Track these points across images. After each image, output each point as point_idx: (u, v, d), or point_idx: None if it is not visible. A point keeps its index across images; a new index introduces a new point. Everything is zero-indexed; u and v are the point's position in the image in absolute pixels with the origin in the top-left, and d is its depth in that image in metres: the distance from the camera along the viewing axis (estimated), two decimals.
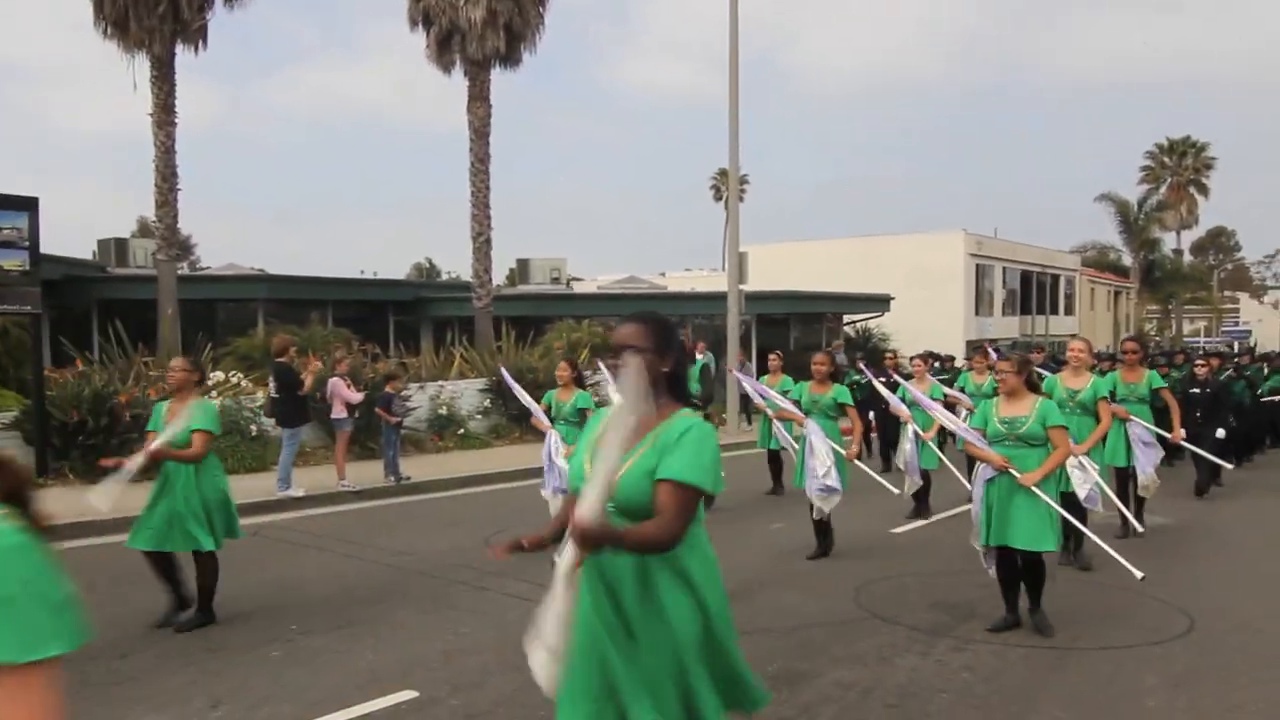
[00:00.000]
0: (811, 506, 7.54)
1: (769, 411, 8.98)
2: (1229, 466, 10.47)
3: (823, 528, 7.62)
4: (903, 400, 9.11)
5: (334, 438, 11.18)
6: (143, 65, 16.13)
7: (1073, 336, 11.30)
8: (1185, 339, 50.43)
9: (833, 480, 7.25)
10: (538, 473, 8.27)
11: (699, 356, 16.17)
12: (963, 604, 6.15)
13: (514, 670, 4.97)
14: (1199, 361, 11.90)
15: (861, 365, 11.63)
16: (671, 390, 2.60)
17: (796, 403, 8.01)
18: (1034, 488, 5.39)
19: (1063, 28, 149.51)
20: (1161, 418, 8.76)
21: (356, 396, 11.08)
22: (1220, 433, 10.96)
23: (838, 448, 7.42)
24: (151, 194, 16.28)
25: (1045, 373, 9.10)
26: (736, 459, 12.51)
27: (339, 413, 10.82)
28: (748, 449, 13.40)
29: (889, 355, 14.12)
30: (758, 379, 11.11)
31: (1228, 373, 13.05)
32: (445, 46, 18.98)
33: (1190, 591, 6.59)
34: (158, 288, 16.08)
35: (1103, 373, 9.21)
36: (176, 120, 16.29)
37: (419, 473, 11.73)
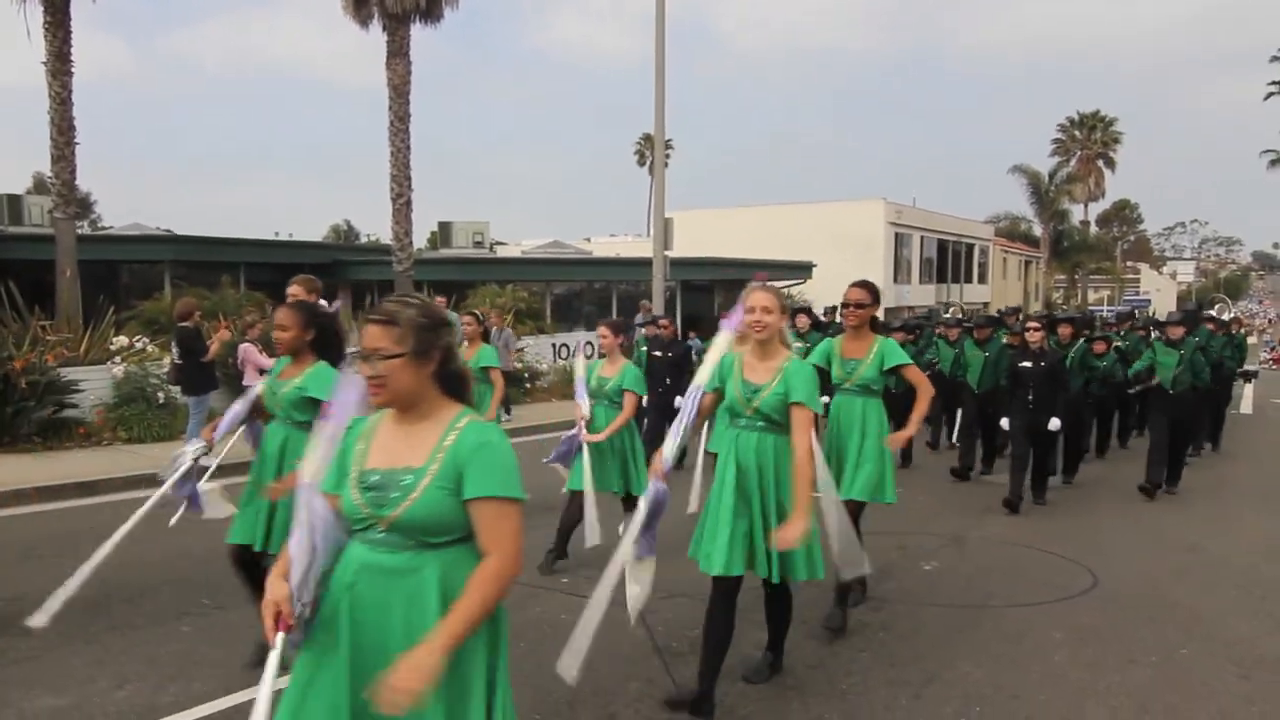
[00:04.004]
0: None
1: None
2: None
3: None
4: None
5: None
6: (35, 11, 15.17)
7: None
8: (1090, 307, 52.41)
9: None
10: None
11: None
12: (879, 566, 6.27)
13: None
14: (1030, 324, 8.74)
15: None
16: None
17: None
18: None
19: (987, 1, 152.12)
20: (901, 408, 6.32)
21: (269, 363, 10.72)
22: (1055, 423, 8.26)
23: None
24: (47, 148, 15.39)
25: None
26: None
27: (251, 379, 10.47)
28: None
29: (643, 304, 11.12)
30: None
31: (1086, 344, 9.97)
32: None
33: (1093, 549, 6.91)
34: (55, 248, 15.26)
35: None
36: (73, 70, 15.34)
37: None
